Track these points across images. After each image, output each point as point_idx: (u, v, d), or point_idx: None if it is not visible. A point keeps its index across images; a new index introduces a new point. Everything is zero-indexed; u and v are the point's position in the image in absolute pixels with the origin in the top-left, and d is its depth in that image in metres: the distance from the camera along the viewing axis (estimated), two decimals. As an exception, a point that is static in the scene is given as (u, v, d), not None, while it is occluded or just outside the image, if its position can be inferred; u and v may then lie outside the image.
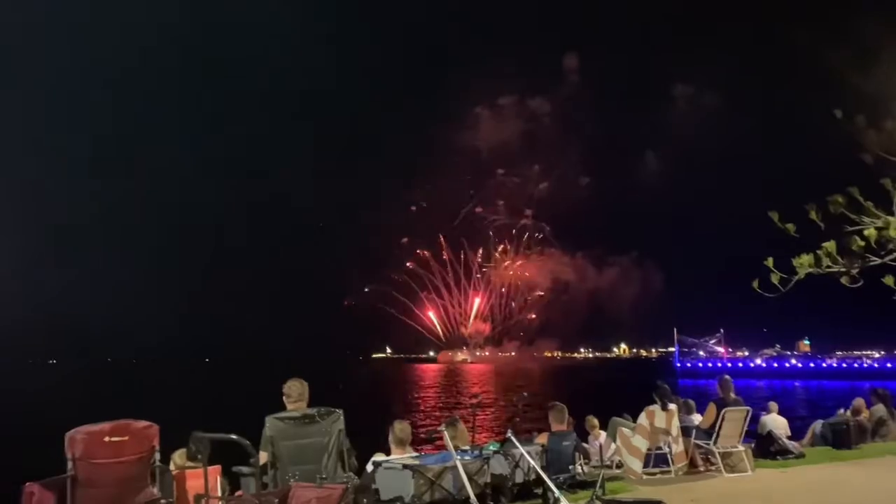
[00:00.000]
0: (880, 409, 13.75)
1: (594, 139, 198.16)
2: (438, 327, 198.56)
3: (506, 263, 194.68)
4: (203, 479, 5.88)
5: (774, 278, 17.77)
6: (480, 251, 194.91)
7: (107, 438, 5.61)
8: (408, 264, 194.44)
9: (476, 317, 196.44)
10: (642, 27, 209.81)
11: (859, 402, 13.59)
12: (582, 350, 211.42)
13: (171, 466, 7.46)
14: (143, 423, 5.91)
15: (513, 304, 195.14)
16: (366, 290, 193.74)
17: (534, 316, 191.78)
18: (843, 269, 16.55)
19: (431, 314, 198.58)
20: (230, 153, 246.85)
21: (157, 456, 5.97)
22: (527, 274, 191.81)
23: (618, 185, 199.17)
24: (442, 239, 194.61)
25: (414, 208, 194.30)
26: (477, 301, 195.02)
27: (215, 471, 6.95)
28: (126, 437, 5.72)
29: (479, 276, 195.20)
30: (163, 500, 6.03)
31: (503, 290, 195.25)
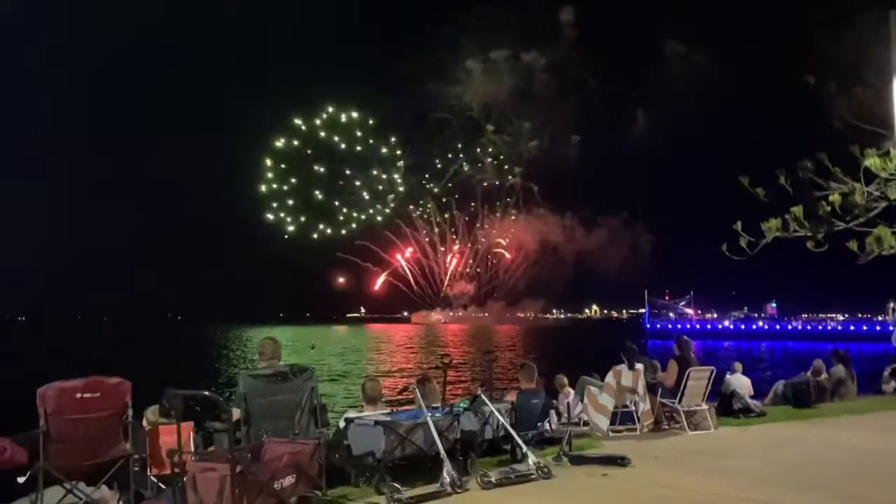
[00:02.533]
0: (840, 369, 14.19)
1: (588, 96, 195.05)
2: (421, 286, 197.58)
3: (494, 223, 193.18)
4: (176, 434, 5.96)
5: (743, 242, 18.09)
6: (468, 210, 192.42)
7: (79, 395, 5.65)
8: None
9: (461, 277, 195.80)
10: None
11: (819, 363, 13.99)
12: (554, 311, 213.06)
13: (144, 423, 7.52)
14: (115, 380, 5.95)
15: (498, 263, 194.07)
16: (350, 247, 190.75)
17: (510, 276, 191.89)
18: (809, 234, 16.90)
19: (414, 272, 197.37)
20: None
21: (130, 412, 6.02)
22: (512, 233, 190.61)
23: (608, 144, 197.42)
24: (429, 197, 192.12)
25: (400, 163, 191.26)
26: (461, 260, 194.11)
27: (188, 427, 7.02)
28: (98, 394, 5.76)
29: (465, 235, 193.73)
30: (135, 455, 6.11)
31: (490, 250, 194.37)
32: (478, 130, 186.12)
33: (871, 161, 15.59)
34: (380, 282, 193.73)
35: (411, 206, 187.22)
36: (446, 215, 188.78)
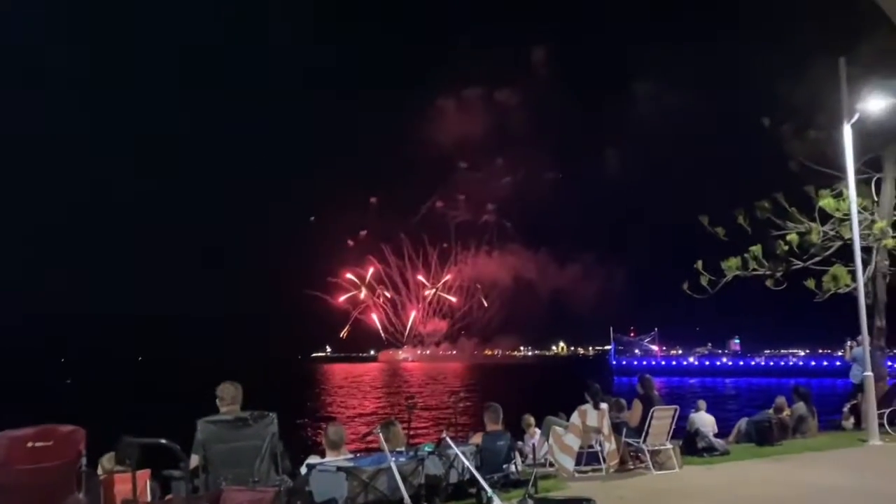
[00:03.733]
0: (801, 407, 14.35)
1: (559, 134, 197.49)
2: (393, 324, 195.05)
3: (466, 260, 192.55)
4: (131, 483, 5.79)
5: (704, 280, 18.37)
6: (439, 247, 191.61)
7: (30, 444, 5.45)
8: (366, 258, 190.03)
9: (434, 314, 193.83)
10: (610, 24, 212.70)
11: (781, 400, 14.15)
12: (521, 349, 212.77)
13: (99, 471, 7.31)
14: (68, 428, 5.76)
15: (472, 301, 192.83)
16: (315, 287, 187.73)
17: (483, 308, 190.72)
18: (768, 273, 17.26)
19: (386, 310, 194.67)
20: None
21: (84, 461, 5.83)
22: (485, 271, 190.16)
23: (579, 181, 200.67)
24: (402, 234, 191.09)
25: (374, 200, 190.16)
26: (434, 298, 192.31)
27: (144, 475, 6.85)
28: (50, 442, 5.57)
29: (438, 272, 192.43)
30: (89, 506, 5.91)
31: (462, 287, 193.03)
32: (451, 167, 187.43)
33: (826, 202, 16.02)
34: (345, 330, 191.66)
35: (383, 243, 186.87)
36: (421, 252, 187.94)
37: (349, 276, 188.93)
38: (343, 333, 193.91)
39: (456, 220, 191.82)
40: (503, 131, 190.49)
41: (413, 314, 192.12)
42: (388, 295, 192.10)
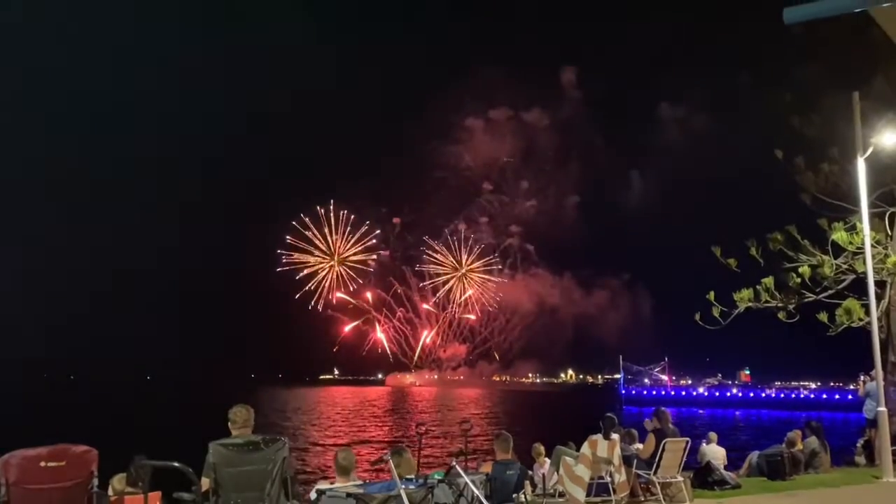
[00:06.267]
0: (813, 441, 14.20)
1: (586, 157, 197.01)
2: (406, 348, 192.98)
3: (491, 284, 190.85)
4: (142, 505, 5.80)
5: (715, 311, 18.26)
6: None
7: (43, 463, 5.47)
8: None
9: (453, 338, 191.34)
10: (638, 48, 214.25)
11: (794, 434, 14.00)
12: (530, 375, 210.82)
13: (110, 492, 7.31)
14: (81, 448, 5.78)
15: (493, 325, 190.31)
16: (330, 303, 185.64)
17: (504, 337, 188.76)
18: (780, 305, 17.16)
19: (405, 333, 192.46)
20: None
21: (96, 482, 5.84)
22: (502, 295, 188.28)
23: (604, 205, 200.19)
24: (424, 256, 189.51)
25: (397, 220, 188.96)
26: (454, 323, 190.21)
27: (155, 497, 6.84)
28: (63, 462, 5.59)
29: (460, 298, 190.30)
30: (100, 527, 5.91)
31: (484, 310, 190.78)
32: (476, 189, 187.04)
33: (839, 235, 15.96)
34: (363, 351, 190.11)
35: (405, 266, 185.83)
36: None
37: (363, 297, 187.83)
38: (362, 353, 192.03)
39: (479, 243, 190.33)
40: (529, 154, 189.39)
41: (427, 337, 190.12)
42: (406, 317, 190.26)
